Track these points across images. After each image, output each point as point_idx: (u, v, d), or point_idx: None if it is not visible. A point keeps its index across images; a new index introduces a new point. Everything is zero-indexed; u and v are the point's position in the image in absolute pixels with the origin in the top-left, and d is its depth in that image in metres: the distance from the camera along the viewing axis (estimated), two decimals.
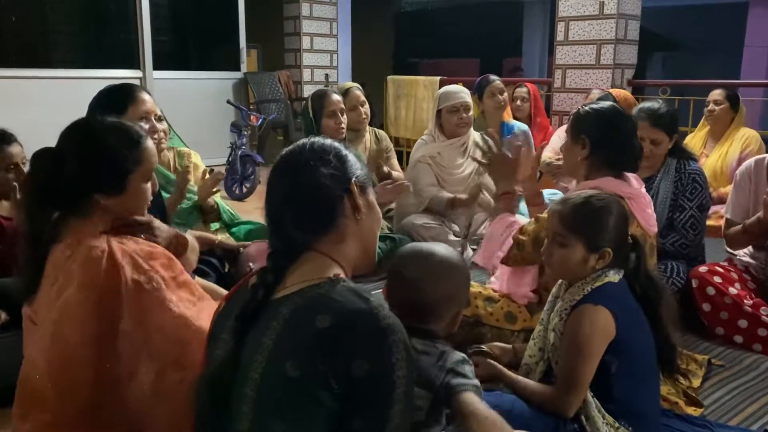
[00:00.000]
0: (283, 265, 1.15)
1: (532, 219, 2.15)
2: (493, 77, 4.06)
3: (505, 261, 2.20)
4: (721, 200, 3.59)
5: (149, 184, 1.60)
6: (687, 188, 2.65)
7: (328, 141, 1.22)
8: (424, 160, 3.50)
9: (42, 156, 1.54)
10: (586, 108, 2.14)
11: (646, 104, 2.74)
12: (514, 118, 4.39)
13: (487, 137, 2.45)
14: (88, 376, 1.43)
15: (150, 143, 1.59)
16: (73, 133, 1.56)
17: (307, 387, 1.02)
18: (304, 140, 1.22)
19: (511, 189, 2.32)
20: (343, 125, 3.32)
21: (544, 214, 2.06)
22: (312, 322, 1.03)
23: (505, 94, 4.08)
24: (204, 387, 1.13)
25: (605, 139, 2.05)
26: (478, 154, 3.11)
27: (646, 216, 2.05)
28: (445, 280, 1.40)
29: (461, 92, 3.49)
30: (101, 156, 1.51)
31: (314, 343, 1.02)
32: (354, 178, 1.20)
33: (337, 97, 3.38)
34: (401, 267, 1.42)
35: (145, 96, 2.18)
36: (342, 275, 1.15)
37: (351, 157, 1.22)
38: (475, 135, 3.55)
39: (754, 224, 2.56)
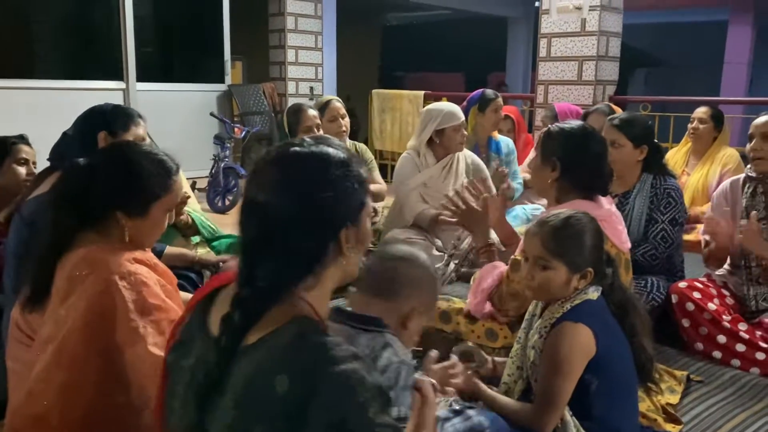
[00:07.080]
0: (256, 315, 1.00)
1: (511, 259, 2.11)
2: (496, 93, 4.04)
3: (502, 311, 2.15)
4: (697, 219, 3.59)
5: (167, 216, 1.63)
6: (662, 202, 2.66)
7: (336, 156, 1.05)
8: (414, 188, 3.41)
9: (75, 168, 1.57)
10: (556, 128, 2.13)
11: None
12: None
13: (458, 191, 2.48)
14: (91, 401, 1.40)
15: (180, 177, 1.64)
16: (111, 151, 1.65)
17: None
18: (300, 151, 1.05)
19: (488, 241, 2.32)
20: None
21: (519, 256, 2.05)
22: (272, 385, 0.91)
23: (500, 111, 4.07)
24: None
25: (576, 163, 2.05)
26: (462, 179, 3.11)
27: (618, 233, 2.05)
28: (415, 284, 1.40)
29: (460, 111, 3.42)
30: (133, 176, 1.55)
31: (277, 410, 0.91)
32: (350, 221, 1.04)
33: (313, 112, 3.36)
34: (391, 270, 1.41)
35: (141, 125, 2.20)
36: (307, 312, 1.01)
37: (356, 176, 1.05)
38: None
39: (712, 251, 2.64)
